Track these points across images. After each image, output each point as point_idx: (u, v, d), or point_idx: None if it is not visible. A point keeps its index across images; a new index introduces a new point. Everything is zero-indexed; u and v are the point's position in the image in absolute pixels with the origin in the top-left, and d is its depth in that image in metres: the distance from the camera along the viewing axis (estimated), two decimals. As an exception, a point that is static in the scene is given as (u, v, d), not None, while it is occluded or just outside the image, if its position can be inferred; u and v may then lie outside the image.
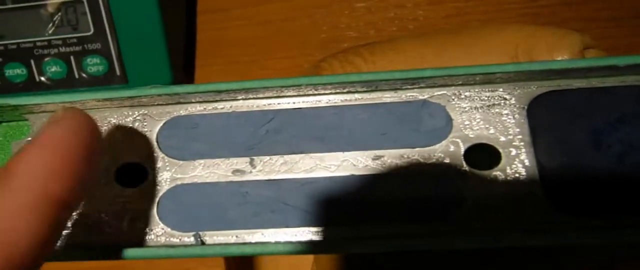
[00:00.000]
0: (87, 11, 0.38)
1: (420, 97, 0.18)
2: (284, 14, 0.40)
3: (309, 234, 0.17)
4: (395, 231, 0.17)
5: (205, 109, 0.18)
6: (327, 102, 0.18)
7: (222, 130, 0.18)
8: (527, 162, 0.17)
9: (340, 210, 0.17)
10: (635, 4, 0.35)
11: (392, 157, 0.17)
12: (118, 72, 0.40)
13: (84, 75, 0.40)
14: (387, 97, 0.18)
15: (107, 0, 0.38)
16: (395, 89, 0.18)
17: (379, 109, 0.18)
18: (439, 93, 0.17)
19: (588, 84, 0.17)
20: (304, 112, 0.18)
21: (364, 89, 0.17)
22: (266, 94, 0.17)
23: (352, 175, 0.17)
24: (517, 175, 0.17)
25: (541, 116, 0.17)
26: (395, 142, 0.17)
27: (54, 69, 0.40)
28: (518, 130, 0.17)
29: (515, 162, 0.17)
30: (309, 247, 0.16)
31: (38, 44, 0.39)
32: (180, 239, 0.17)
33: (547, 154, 0.17)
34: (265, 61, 0.40)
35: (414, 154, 0.17)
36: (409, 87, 0.17)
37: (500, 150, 0.17)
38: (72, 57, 0.39)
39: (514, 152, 0.17)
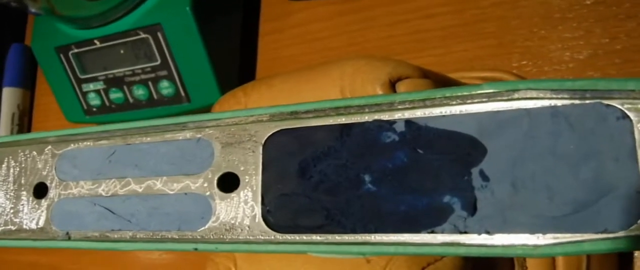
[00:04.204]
0: (152, 45, 0.48)
1: (197, 135, 0.23)
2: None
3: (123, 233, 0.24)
4: (154, 238, 0.23)
5: (79, 145, 0.26)
6: (141, 141, 0.24)
7: (87, 160, 0.26)
8: (255, 188, 0.21)
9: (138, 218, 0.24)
10: None
11: (173, 181, 0.23)
12: (183, 94, 0.49)
13: (160, 97, 0.51)
14: (178, 136, 0.24)
15: (165, 35, 0.47)
16: (182, 130, 0.23)
17: (172, 144, 0.24)
18: (210, 132, 0.23)
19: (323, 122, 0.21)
20: (133, 147, 0.25)
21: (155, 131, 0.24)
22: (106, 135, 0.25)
23: (152, 194, 0.24)
24: (246, 197, 0.21)
25: (272, 151, 0.21)
26: (178, 170, 0.23)
27: (140, 92, 0.51)
28: (254, 162, 0.22)
29: (247, 188, 0.21)
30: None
31: (126, 73, 0.51)
32: (54, 235, 0.25)
33: (268, 182, 0.21)
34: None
35: (185, 179, 0.23)
36: (185, 128, 0.23)
37: (240, 178, 0.22)
38: (150, 83, 0.50)
39: (247, 179, 0.22)
